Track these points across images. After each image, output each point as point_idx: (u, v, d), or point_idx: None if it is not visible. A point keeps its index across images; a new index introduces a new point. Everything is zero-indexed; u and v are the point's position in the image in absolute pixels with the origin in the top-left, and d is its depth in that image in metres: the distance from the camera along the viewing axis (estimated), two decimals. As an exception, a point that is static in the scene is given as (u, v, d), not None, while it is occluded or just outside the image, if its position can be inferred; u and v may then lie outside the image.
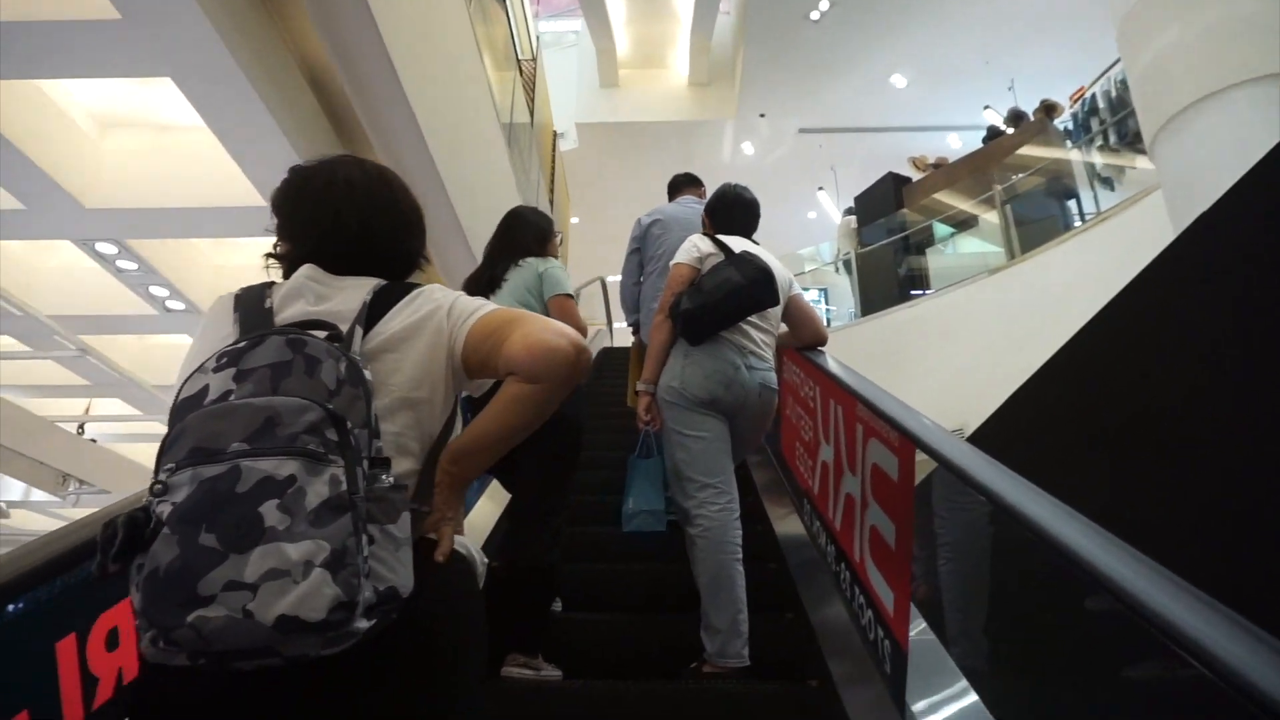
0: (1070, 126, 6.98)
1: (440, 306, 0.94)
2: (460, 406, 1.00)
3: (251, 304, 0.91)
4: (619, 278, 3.28)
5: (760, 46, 10.15)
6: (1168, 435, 1.66)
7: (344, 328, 0.87)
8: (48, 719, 0.91)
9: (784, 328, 2.33)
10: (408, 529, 0.80)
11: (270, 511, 0.69)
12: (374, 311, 0.91)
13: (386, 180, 1.02)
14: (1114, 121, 6.13)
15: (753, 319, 2.15)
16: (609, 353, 6.55)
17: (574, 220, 12.71)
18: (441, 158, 4.81)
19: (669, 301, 2.15)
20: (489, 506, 2.87)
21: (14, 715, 0.86)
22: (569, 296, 2.18)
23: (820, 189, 12.99)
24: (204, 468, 0.71)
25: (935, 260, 7.89)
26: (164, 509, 0.70)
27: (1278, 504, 1.30)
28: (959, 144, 11.14)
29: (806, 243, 10.96)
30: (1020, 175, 6.99)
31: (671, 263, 2.25)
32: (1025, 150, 7.14)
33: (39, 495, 7.73)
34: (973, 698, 1.33)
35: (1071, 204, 6.56)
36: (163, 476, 0.72)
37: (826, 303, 9.20)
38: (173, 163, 4.87)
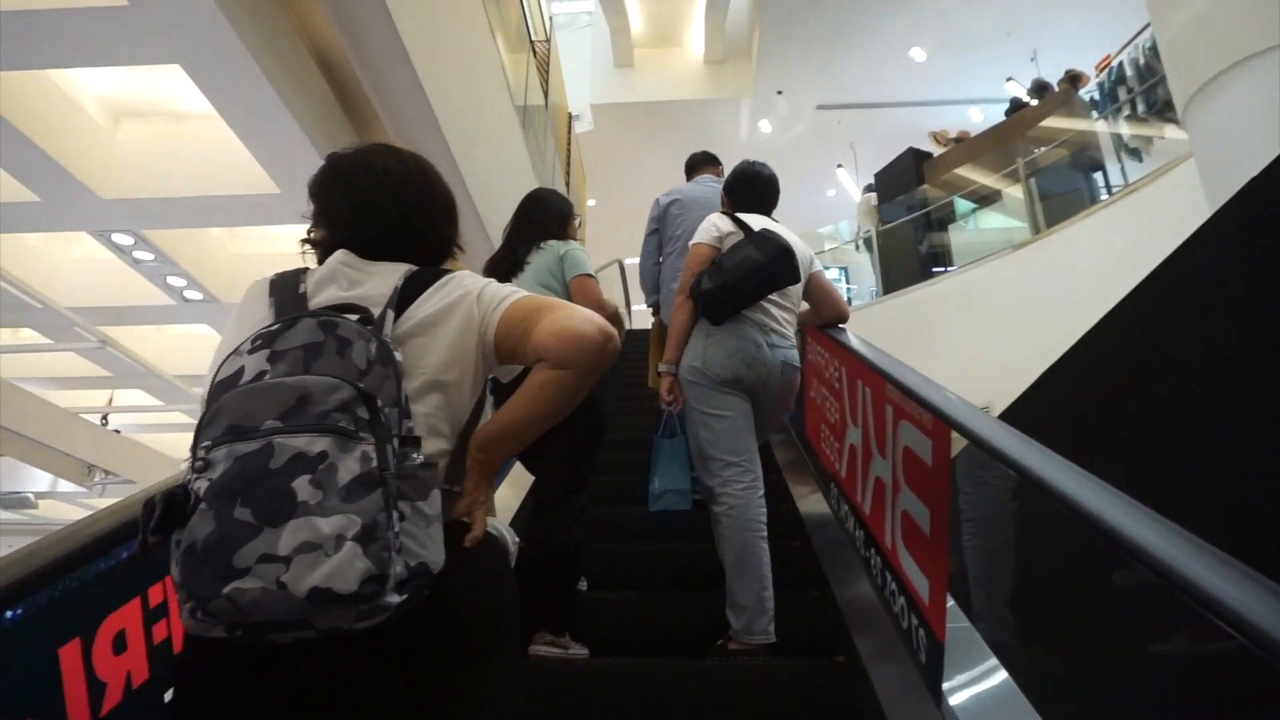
0: (1096, 96, 6.79)
1: (470, 292, 0.95)
2: (487, 391, 1.00)
3: (286, 288, 0.93)
4: (638, 259, 3.25)
5: (777, 22, 9.93)
6: (1199, 421, 1.61)
7: (376, 312, 0.88)
8: None
9: (805, 305, 2.30)
10: (438, 506, 0.81)
11: (303, 487, 0.71)
12: (405, 296, 0.92)
13: (422, 169, 1.04)
14: (1142, 90, 5.95)
15: (774, 297, 2.13)
16: (626, 335, 6.53)
17: (591, 202, 12.65)
18: (456, 141, 4.79)
19: (689, 282, 2.14)
20: (508, 491, 2.87)
21: None
22: (590, 276, 2.18)
23: (839, 166, 12.77)
24: (239, 444, 0.73)
25: (957, 236, 7.75)
26: (201, 485, 0.72)
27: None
28: (980, 117, 10.86)
29: (826, 221, 10.77)
30: (1044, 148, 6.82)
31: (691, 242, 2.23)
32: (1050, 122, 6.95)
33: (66, 486, 7.87)
34: (1002, 675, 1.31)
35: (1098, 176, 6.39)
36: (201, 453, 0.74)
37: (847, 281, 9.08)
38: (186, 152, 4.87)
